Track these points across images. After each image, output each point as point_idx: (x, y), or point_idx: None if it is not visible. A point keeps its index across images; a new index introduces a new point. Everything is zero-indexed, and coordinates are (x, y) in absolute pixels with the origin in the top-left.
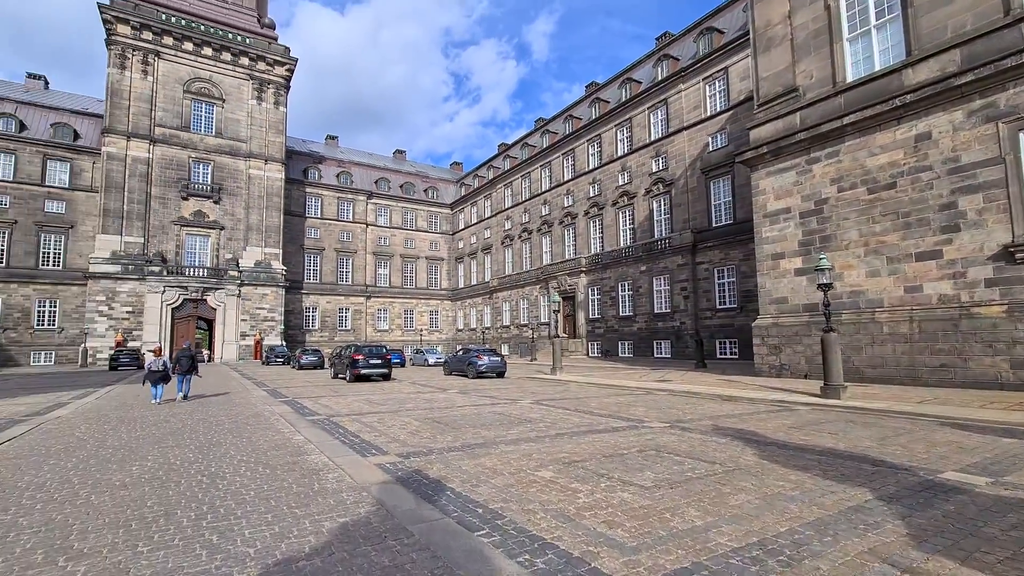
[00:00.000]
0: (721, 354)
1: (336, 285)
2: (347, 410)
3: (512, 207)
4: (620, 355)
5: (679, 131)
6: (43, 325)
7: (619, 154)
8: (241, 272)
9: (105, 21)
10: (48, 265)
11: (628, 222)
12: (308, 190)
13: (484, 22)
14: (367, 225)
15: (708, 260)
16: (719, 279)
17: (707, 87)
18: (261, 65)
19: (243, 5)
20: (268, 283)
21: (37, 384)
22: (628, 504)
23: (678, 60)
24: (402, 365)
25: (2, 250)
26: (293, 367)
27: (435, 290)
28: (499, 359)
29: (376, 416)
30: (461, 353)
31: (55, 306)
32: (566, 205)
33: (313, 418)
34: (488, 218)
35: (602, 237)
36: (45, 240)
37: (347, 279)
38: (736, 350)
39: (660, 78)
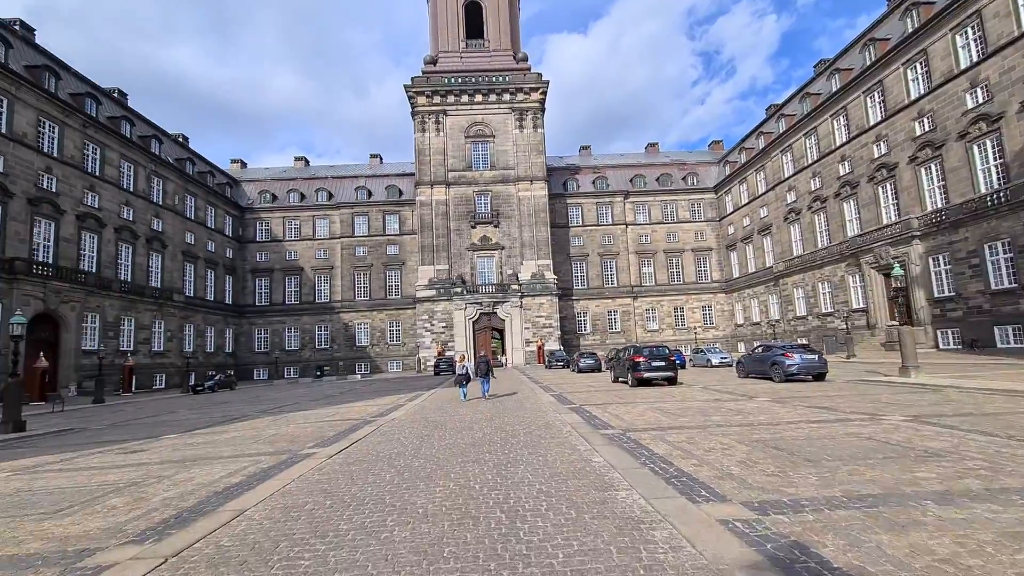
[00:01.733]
0: None
1: (602, 289)
2: (642, 423)
3: (794, 174)
4: (999, 345)
5: None
6: (393, 341)
7: (962, 67)
8: (521, 285)
9: (409, 97)
10: (392, 295)
11: (992, 156)
12: (568, 201)
13: None
14: (626, 225)
15: None
16: None
17: None
18: (519, 96)
19: (501, 48)
20: (543, 293)
21: (388, 388)
22: None
23: None
24: (682, 367)
25: (367, 286)
26: (573, 370)
27: (705, 283)
28: (816, 357)
29: (682, 433)
30: (759, 351)
31: (398, 326)
32: (877, 155)
33: (608, 432)
34: (763, 194)
35: (943, 186)
36: (388, 276)
37: (612, 281)
38: None
39: None
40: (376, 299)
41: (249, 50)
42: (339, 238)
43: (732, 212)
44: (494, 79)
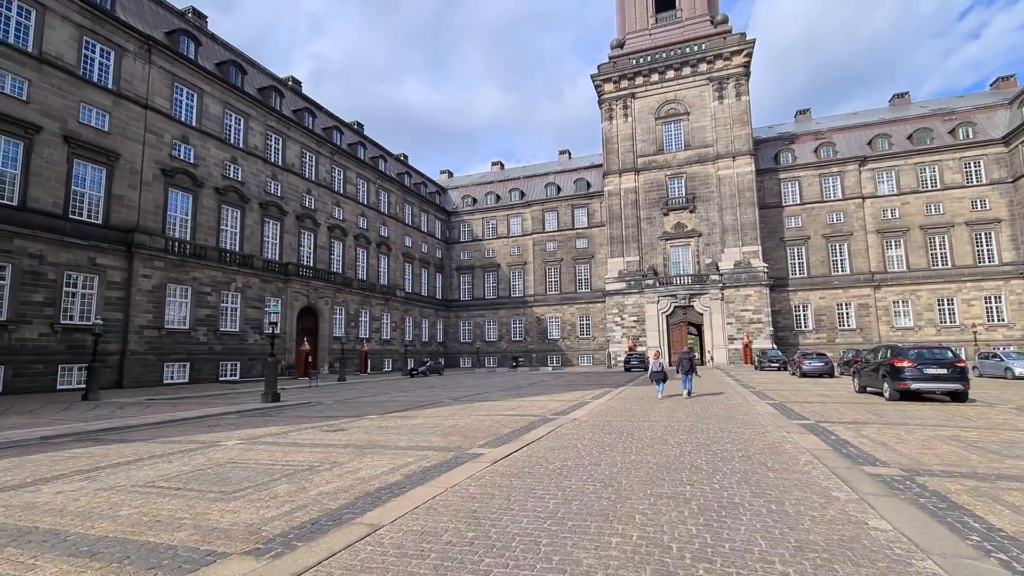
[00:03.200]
0: None
1: (829, 277)
2: (935, 460)
3: None
4: None
5: None
6: (583, 335)
7: None
8: (722, 275)
9: (596, 87)
10: (581, 289)
11: None
12: (781, 176)
13: None
14: (863, 199)
15: None
16: None
17: None
18: (718, 63)
19: (696, 14)
20: (750, 283)
21: (576, 382)
22: None
23: None
24: None
25: (557, 280)
26: (793, 373)
27: (991, 266)
28: None
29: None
30: None
31: (588, 319)
32: None
33: (880, 472)
34: None
35: None
36: (578, 269)
37: (842, 268)
38: None
39: None
40: (566, 293)
41: (459, 77)
42: (530, 235)
43: None
44: (688, 50)
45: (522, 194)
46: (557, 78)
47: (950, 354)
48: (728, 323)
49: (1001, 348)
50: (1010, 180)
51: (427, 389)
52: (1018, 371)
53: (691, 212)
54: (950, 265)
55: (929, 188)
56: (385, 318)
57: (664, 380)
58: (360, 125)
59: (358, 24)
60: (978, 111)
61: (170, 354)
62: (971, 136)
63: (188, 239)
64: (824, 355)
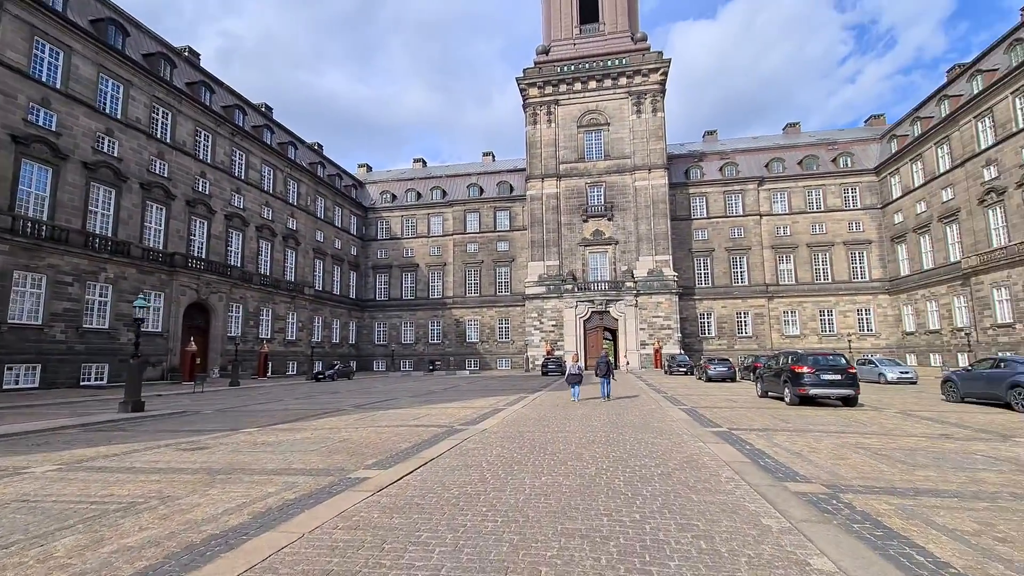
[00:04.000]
0: None
1: (731, 287)
2: (852, 472)
3: (997, 144)
4: None
5: None
6: (502, 338)
7: None
8: (636, 282)
9: (521, 90)
10: (501, 292)
11: None
12: (691, 191)
13: None
14: (760, 216)
15: None
16: None
17: None
18: (637, 79)
19: (617, 30)
20: (661, 291)
21: (492, 387)
22: None
23: None
24: None
25: (477, 283)
26: (699, 378)
27: (861, 282)
28: None
29: (960, 505)
30: (987, 366)
31: (507, 323)
32: None
33: (804, 489)
34: (947, 171)
35: None
36: (498, 272)
37: (742, 279)
38: None
39: None
40: (486, 296)
41: (385, 72)
42: (451, 235)
43: (900, 197)
44: (609, 63)
45: (444, 193)
46: (486, 83)
47: (843, 360)
48: (641, 328)
49: (872, 355)
50: (879, 206)
51: (330, 395)
52: (890, 376)
53: (609, 220)
54: (830, 280)
55: (815, 210)
56: (291, 317)
57: (580, 383)
58: (268, 108)
59: (275, 5)
60: (855, 143)
61: (15, 354)
62: (850, 165)
63: (45, 219)
64: (728, 360)
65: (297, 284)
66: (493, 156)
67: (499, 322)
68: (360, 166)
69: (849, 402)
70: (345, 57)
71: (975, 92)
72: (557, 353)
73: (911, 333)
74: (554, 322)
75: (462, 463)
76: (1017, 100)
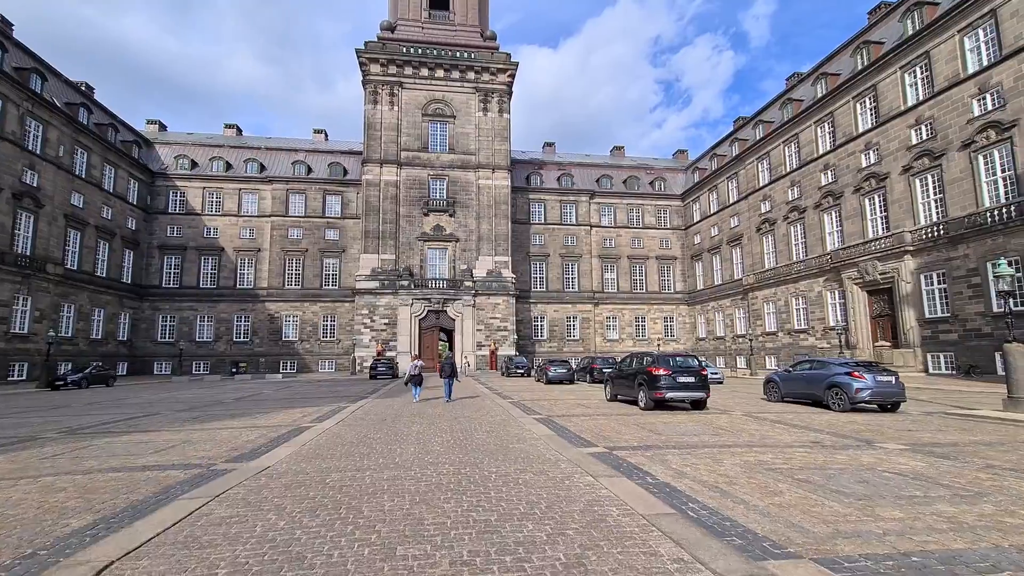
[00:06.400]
0: None
1: (562, 292)
2: (818, 520)
3: (771, 183)
4: (1001, 372)
5: None
6: (327, 337)
7: (970, 71)
8: (475, 282)
9: (361, 64)
10: (328, 285)
11: (1000, 168)
12: (531, 196)
13: (697, 20)
14: (591, 227)
15: None
16: None
17: None
18: (485, 76)
19: (468, 23)
20: (500, 292)
21: (306, 394)
22: None
23: None
24: None
25: (299, 274)
26: (538, 380)
27: (668, 293)
28: (893, 379)
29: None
30: (806, 368)
31: (334, 320)
32: (865, 165)
33: (800, 573)
34: (734, 203)
35: (941, 199)
36: (326, 264)
37: (573, 285)
38: None
39: None
40: (309, 288)
41: (208, 29)
42: (269, 216)
43: (699, 221)
44: (458, 54)
45: (262, 167)
46: (329, 66)
47: (696, 363)
48: (478, 329)
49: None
50: (683, 227)
51: (46, 412)
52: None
53: (451, 216)
54: (645, 290)
55: (635, 226)
56: (21, 303)
57: (421, 384)
58: (7, 23)
59: None
60: (667, 171)
61: None
62: (663, 189)
63: None
64: (567, 363)
65: (36, 259)
66: (326, 135)
67: (324, 319)
68: (150, 122)
69: (699, 405)
70: (157, 1)
71: (757, 138)
72: (389, 354)
73: (702, 339)
74: (387, 320)
75: (175, 568)
76: (786, 148)
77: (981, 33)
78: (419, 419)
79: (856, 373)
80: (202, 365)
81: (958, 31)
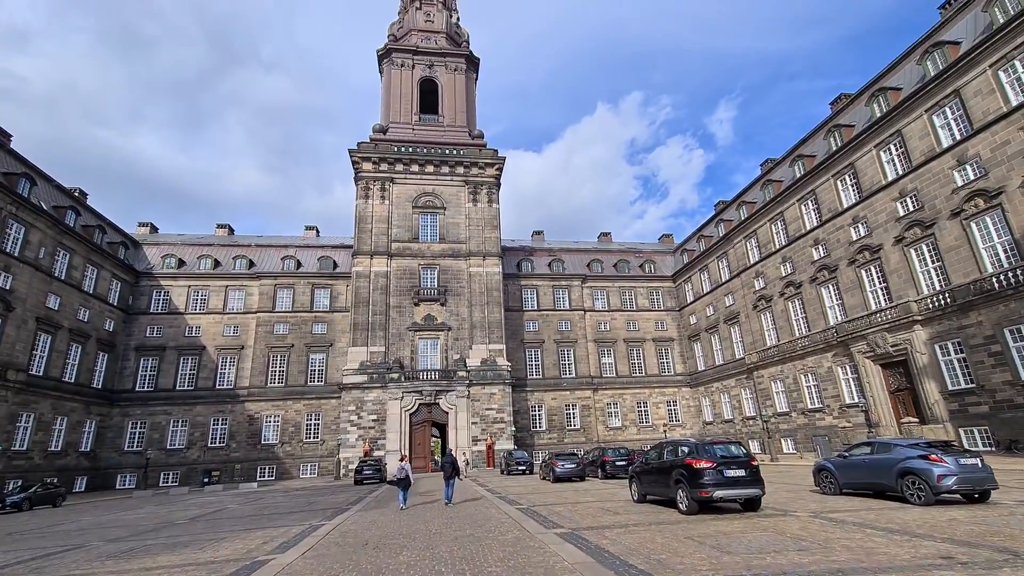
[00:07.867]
0: None
1: (559, 379)
2: None
3: (762, 260)
4: None
5: None
6: (310, 438)
7: (945, 145)
8: (469, 371)
9: (354, 163)
10: (314, 381)
11: (996, 233)
12: (523, 282)
13: (666, 124)
14: (584, 311)
15: None
16: None
17: None
18: (474, 170)
19: (456, 124)
20: (495, 381)
21: (276, 508)
22: None
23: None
24: None
25: (283, 371)
26: (544, 478)
27: (669, 376)
28: (978, 462)
29: None
30: (867, 452)
31: (319, 419)
32: (856, 237)
33: None
34: (727, 281)
35: (940, 266)
36: (312, 359)
37: (569, 371)
38: None
39: None
40: (293, 386)
41: (215, 144)
42: (255, 312)
43: (693, 301)
44: (447, 151)
45: (251, 263)
46: (328, 173)
47: (742, 450)
48: (473, 423)
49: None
50: (677, 308)
51: None
52: None
53: (442, 305)
54: (644, 373)
55: (630, 308)
56: None
57: (408, 488)
58: (7, 135)
59: (85, 54)
60: (655, 254)
61: None
62: (653, 271)
63: None
64: (575, 455)
65: None
66: (317, 231)
67: (308, 417)
68: (141, 224)
69: (753, 504)
70: (169, 123)
71: (742, 218)
72: (377, 453)
73: (710, 423)
74: (375, 416)
75: None
76: (773, 226)
77: (948, 111)
78: (409, 542)
79: (934, 456)
80: (171, 476)
81: (925, 111)
